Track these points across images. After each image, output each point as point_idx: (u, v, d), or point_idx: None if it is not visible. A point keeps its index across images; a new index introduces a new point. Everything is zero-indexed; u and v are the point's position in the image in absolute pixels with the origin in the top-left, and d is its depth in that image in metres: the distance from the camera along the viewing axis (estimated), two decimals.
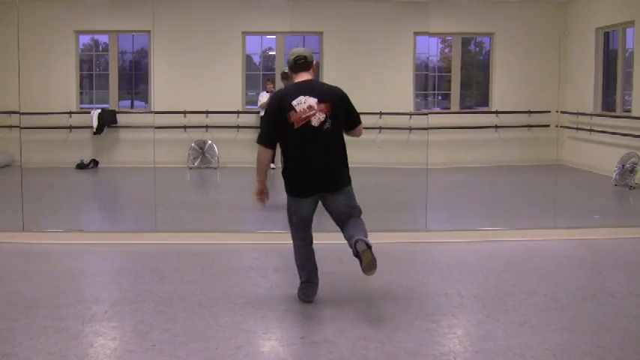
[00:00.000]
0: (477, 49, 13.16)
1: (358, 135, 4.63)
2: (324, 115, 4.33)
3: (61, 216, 7.62)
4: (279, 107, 4.37)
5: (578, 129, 11.21)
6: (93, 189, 10.71)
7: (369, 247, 4.17)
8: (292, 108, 4.32)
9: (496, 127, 11.87)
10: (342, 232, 4.49)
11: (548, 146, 10.81)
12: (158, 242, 6.19)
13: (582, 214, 7.70)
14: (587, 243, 6.33)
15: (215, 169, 11.51)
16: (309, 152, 4.36)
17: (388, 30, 11.56)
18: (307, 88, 4.39)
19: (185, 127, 11.58)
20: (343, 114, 4.46)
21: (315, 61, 4.57)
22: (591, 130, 10.86)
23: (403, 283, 5.08)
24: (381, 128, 11.55)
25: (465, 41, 12.61)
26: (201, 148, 11.53)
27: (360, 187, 10.02)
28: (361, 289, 4.89)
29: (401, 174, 10.43)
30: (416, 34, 11.67)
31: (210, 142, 11.54)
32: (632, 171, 9.39)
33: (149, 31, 10.86)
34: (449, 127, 11.46)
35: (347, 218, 4.48)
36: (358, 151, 11.38)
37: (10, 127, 10.54)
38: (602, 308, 4.50)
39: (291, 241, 4.64)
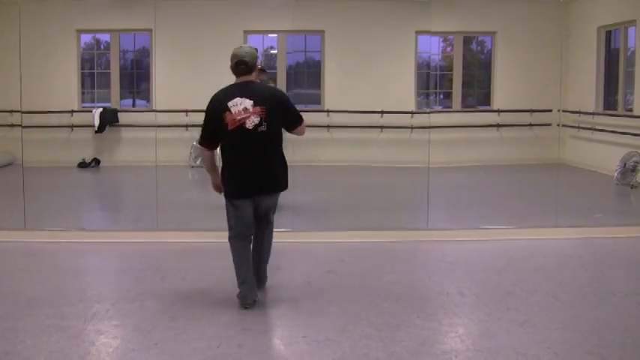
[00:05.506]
0: (479, 47, 13.14)
1: (301, 134, 4.66)
2: (259, 118, 4.32)
3: (62, 215, 7.62)
4: (217, 107, 4.38)
5: (579, 128, 11.19)
6: (94, 188, 10.72)
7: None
8: (228, 109, 4.33)
9: (498, 126, 11.86)
10: (254, 243, 4.61)
11: (550, 145, 10.81)
12: (160, 241, 6.20)
13: (584, 212, 7.69)
14: (588, 242, 6.32)
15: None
16: (244, 154, 4.38)
17: (390, 29, 11.55)
18: (245, 90, 4.38)
19: (187, 125, 11.56)
20: (281, 116, 4.45)
21: (258, 63, 4.50)
22: (593, 129, 10.84)
23: (404, 281, 5.08)
24: (382, 127, 11.54)
25: (467, 40, 12.59)
26: None
27: (362, 186, 10.00)
28: (362, 288, 4.89)
29: (402, 173, 10.42)
30: (418, 32, 11.65)
31: None
32: (634, 170, 9.38)
33: (151, 30, 10.85)
34: (450, 126, 11.44)
35: (263, 229, 4.63)
36: (359, 150, 11.45)
37: (12, 125, 10.55)
38: (603, 307, 4.50)
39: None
